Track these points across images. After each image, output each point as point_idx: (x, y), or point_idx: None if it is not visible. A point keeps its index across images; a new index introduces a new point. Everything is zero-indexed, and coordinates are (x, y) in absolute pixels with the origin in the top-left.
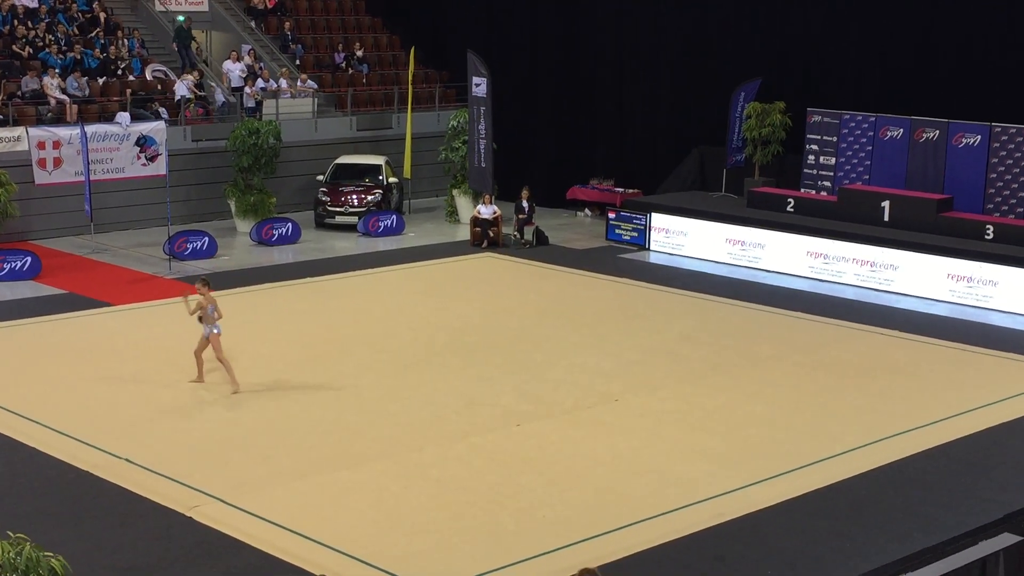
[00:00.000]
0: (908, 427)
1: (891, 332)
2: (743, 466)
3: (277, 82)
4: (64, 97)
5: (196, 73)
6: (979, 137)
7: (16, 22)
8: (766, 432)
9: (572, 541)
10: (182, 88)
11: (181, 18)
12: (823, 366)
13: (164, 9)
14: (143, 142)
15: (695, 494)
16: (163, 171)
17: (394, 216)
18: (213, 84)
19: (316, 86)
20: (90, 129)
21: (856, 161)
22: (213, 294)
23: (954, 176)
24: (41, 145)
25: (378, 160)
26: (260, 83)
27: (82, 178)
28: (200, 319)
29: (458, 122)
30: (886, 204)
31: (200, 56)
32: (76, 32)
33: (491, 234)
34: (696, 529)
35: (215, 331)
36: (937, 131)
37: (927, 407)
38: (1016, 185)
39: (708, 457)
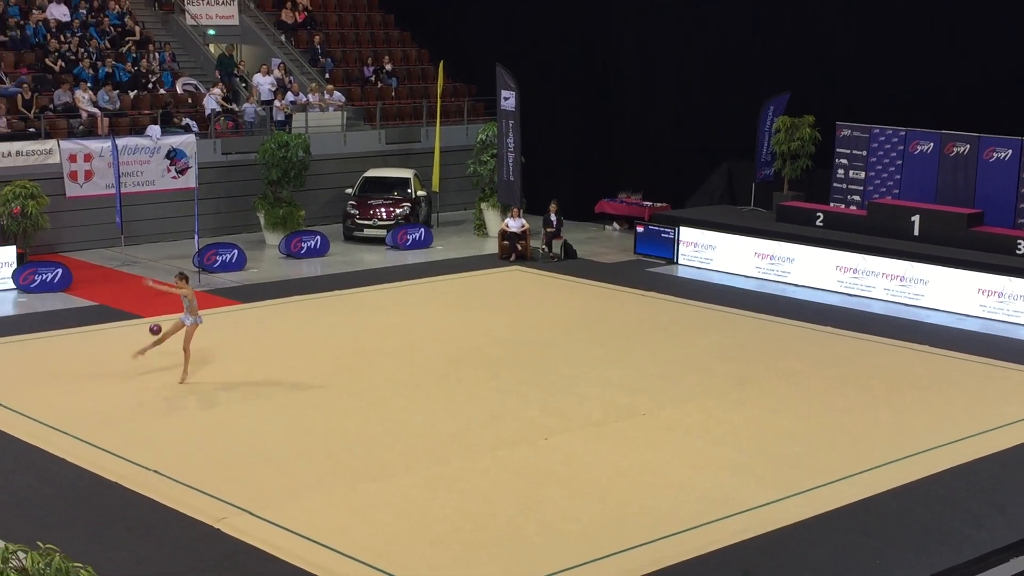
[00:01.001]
0: (937, 443)
1: (921, 347)
2: (770, 481)
3: (307, 96)
4: (95, 110)
5: (223, 87)
6: (1010, 152)
7: (49, 36)
8: (794, 447)
9: (598, 555)
10: (211, 102)
11: (212, 31)
12: (852, 381)
13: (195, 23)
14: (173, 155)
15: (722, 509)
16: (193, 184)
17: (422, 229)
18: (254, 106)
19: (344, 98)
20: (121, 142)
21: (886, 175)
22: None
23: (985, 190)
24: (72, 158)
25: (407, 173)
26: (290, 96)
27: (113, 191)
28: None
29: (487, 135)
30: (916, 218)
31: (240, 72)
32: (108, 46)
33: (519, 247)
34: (723, 544)
35: (189, 322)
36: (968, 145)
37: (957, 423)
38: None
39: (735, 472)
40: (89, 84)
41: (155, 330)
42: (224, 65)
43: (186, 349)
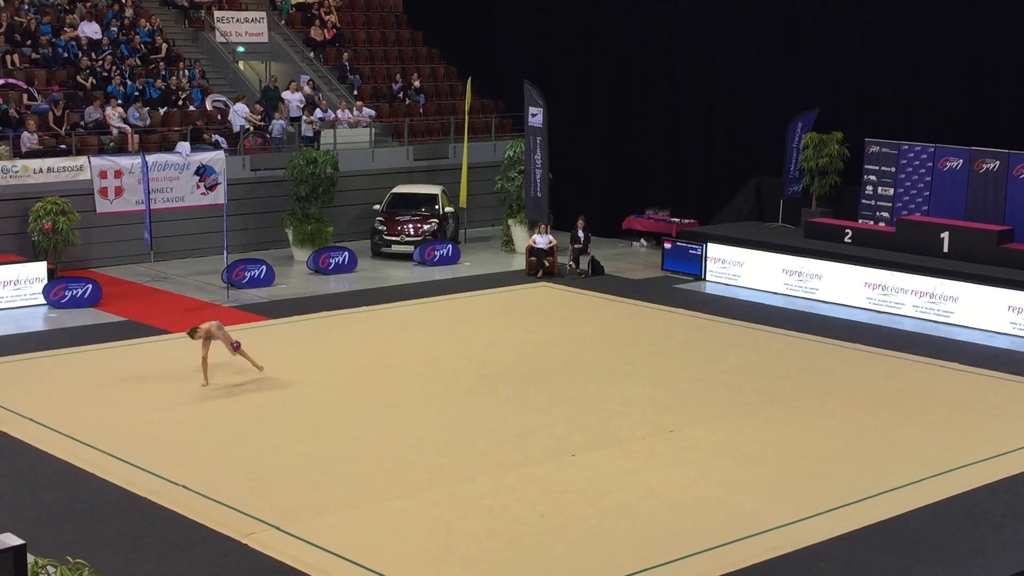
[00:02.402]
0: (968, 461)
1: (950, 364)
2: (799, 499)
3: (335, 112)
4: (126, 127)
5: (258, 106)
6: None
7: (80, 53)
8: (822, 465)
9: (626, 573)
10: (237, 117)
11: (242, 49)
12: (881, 398)
13: (225, 40)
14: (203, 171)
15: (750, 527)
16: (222, 200)
17: (450, 245)
18: (281, 122)
19: (373, 113)
20: (151, 158)
21: (915, 192)
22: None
23: (1015, 207)
24: (103, 174)
25: (434, 190)
26: (318, 113)
27: (143, 207)
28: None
29: (514, 152)
30: (946, 235)
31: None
32: (138, 63)
33: (546, 264)
34: (751, 562)
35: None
36: (997, 162)
37: (987, 441)
38: None
39: (763, 489)
40: (120, 101)
41: (236, 346)
42: (268, 97)
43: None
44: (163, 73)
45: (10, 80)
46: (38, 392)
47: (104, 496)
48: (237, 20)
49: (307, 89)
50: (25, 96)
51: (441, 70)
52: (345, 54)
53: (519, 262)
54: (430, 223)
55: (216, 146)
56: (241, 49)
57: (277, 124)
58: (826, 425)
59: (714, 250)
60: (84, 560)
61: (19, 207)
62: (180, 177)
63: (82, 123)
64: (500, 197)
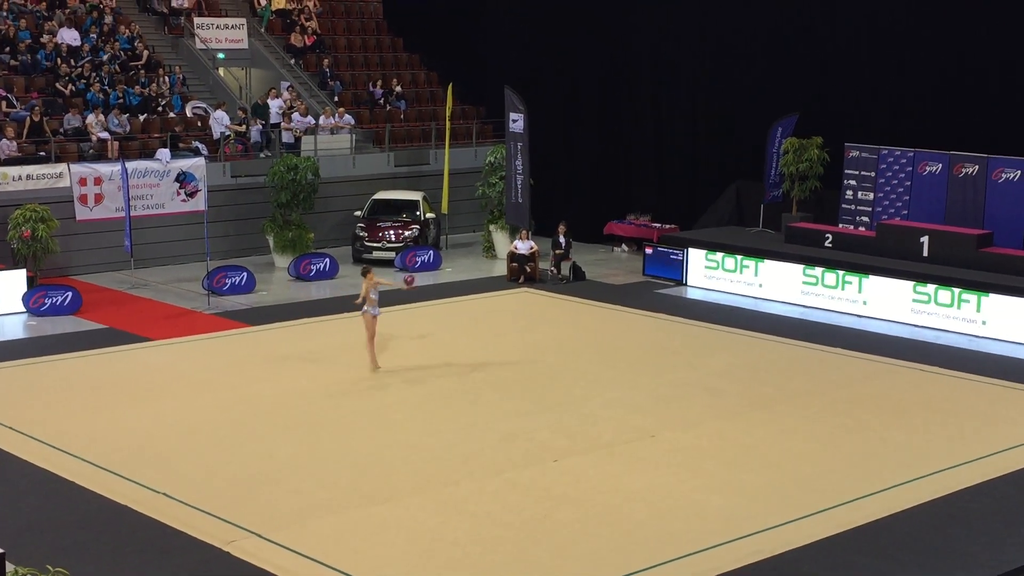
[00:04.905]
0: (949, 464)
1: (931, 368)
2: (781, 503)
3: (316, 119)
4: (105, 134)
5: (241, 112)
6: (1019, 172)
7: (59, 60)
8: (804, 468)
9: None
10: (217, 124)
11: (222, 55)
12: (862, 402)
13: (205, 47)
14: (183, 178)
15: (733, 530)
16: (202, 207)
17: (431, 251)
18: (258, 127)
19: (353, 120)
20: (131, 165)
21: (895, 196)
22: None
23: (994, 211)
24: (83, 181)
25: (415, 196)
26: (297, 117)
27: (123, 214)
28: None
29: (495, 158)
30: (925, 239)
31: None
32: (118, 70)
33: (528, 269)
34: (734, 566)
35: (375, 313)
36: (977, 166)
37: (967, 444)
38: None
39: (746, 493)
40: (101, 108)
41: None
42: (259, 112)
43: (371, 340)
44: (143, 80)
45: None
46: (17, 400)
47: (85, 504)
48: (217, 27)
49: (287, 95)
50: (4, 103)
51: (422, 76)
52: (325, 60)
53: (500, 268)
54: (411, 229)
55: (196, 153)
56: (221, 56)
57: (254, 128)
58: (808, 429)
59: (695, 255)
60: (65, 569)
61: None
62: (160, 184)
63: (61, 130)
64: (481, 203)
